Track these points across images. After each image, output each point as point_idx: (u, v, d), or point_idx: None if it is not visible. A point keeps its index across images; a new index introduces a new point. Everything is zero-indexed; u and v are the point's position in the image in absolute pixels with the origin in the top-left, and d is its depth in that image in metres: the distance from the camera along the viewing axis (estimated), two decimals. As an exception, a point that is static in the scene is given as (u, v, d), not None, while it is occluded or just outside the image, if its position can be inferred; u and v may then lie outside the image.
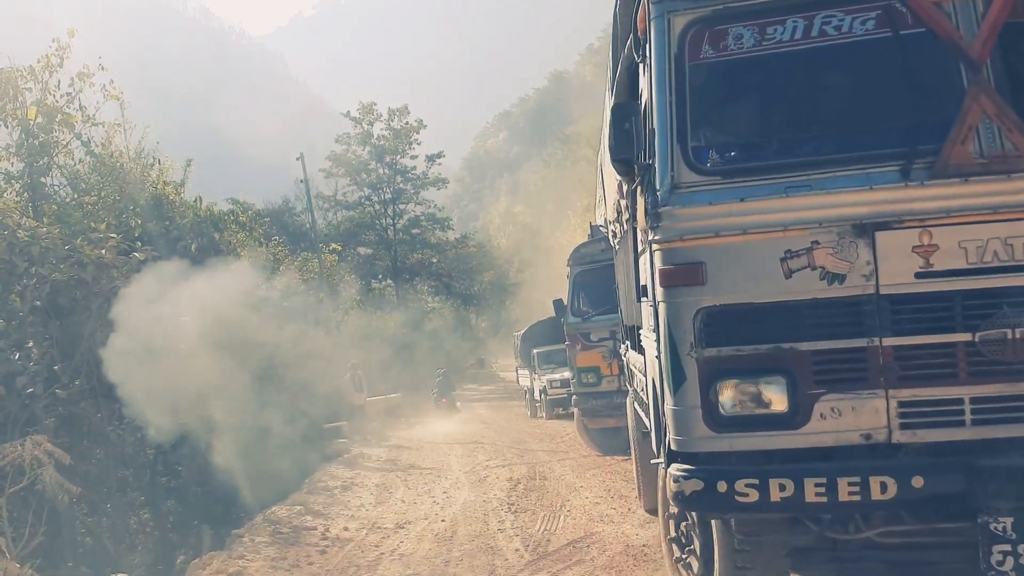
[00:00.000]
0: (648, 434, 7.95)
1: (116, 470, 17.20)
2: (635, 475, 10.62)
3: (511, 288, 76.10)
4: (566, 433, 21.21)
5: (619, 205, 7.84)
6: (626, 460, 14.76)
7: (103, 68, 22.68)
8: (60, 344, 13.79)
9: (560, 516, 10.71)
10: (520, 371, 32.16)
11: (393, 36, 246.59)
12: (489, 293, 72.10)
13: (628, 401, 9.93)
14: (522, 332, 31.00)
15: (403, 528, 11.02)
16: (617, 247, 9.71)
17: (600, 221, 11.67)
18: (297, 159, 26.62)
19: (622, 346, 10.96)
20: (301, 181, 26.93)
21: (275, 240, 38.67)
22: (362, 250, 60.99)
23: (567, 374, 27.56)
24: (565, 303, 16.39)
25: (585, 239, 17.58)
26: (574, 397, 15.97)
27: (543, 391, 27.30)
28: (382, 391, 34.24)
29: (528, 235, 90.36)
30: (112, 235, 16.55)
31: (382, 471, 16.60)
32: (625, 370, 10.38)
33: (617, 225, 8.84)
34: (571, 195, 71.80)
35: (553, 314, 34.07)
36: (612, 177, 8.39)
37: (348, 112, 61.78)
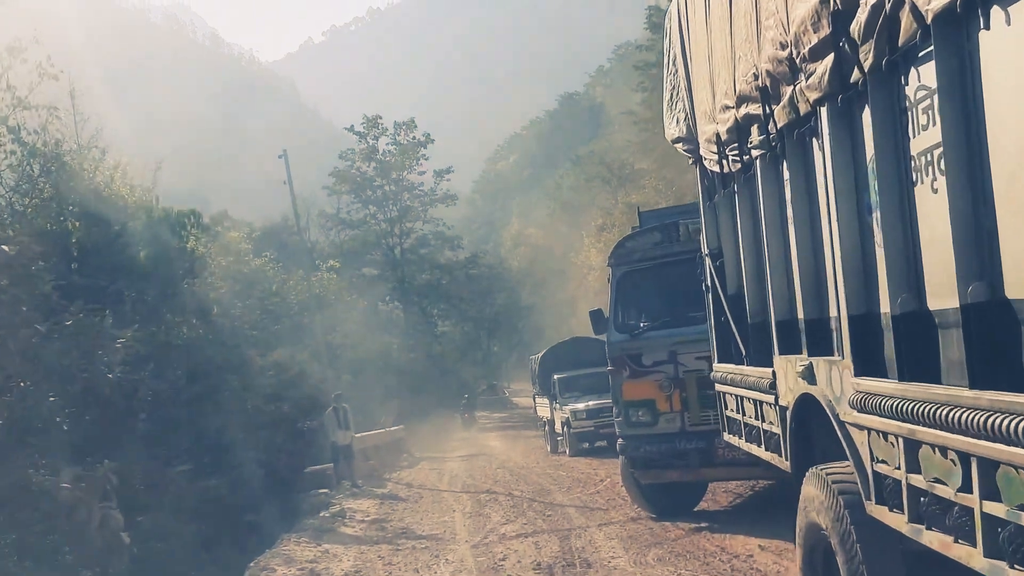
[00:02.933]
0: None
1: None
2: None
3: (524, 311, 72.25)
4: (597, 476, 16.87)
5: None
6: (698, 532, 10.37)
7: (38, 42, 18.72)
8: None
9: (629, 658, 6.32)
10: (538, 399, 27.71)
11: (402, 62, 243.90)
12: (502, 316, 67.90)
13: (815, 479, 4.44)
14: (540, 355, 26.61)
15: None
16: (748, 155, 5.26)
17: (679, 133, 6.99)
18: (280, 157, 22.66)
19: (724, 366, 6.58)
20: (284, 183, 22.92)
21: (265, 256, 34.61)
22: (367, 271, 56.80)
23: (593, 403, 23.24)
24: (606, 315, 11.99)
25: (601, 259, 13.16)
26: (620, 441, 11.52)
27: (566, 423, 22.93)
28: (383, 424, 29.86)
29: (541, 257, 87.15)
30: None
31: (361, 543, 12.16)
32: (739, 406, 5.85)
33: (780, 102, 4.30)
34: (583, 216, 67.77)
35: (576, 335, 29.44)
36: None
37: (352, 126, 57.82)
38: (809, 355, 4.43)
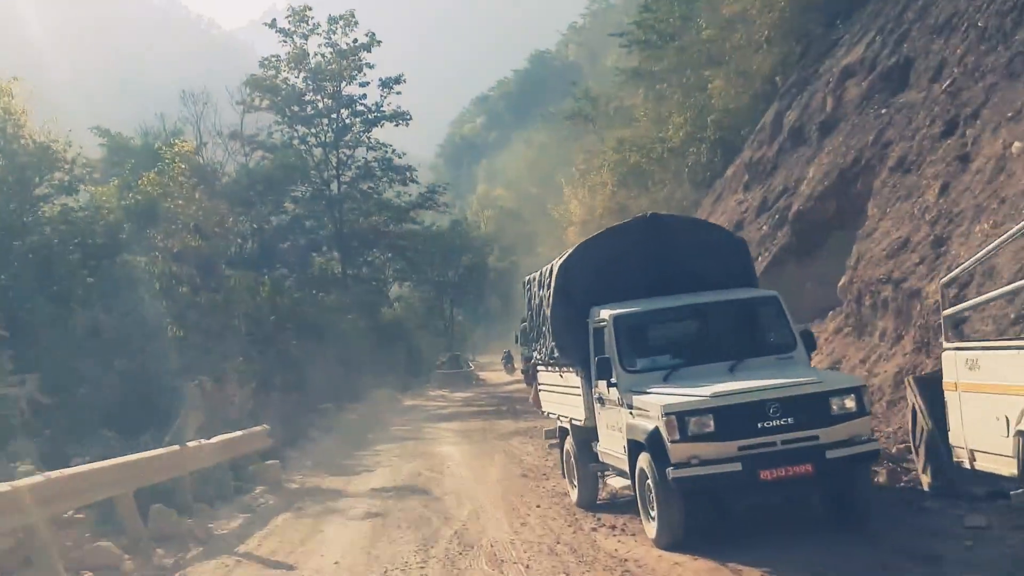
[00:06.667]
0: None
1: None
2: None
3: (493, 275, 58.13)
4: None
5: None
6: None
7: None
8: None
9: None
10: (542, 372, 11.49)
11: (366, 26, 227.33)
12: (466, 280, 53.16)
13: None
14: (561, 262, 10.07)
15: None
16: None
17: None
18: None
19: None
20: None
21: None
22: (291, 207, 40.79)
23: (741, 385, 7.60)
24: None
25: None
26: None
27: (648, 443, 7.21)
28: (222, 424, 14.24)
29: (510, 220, 73.71)
30: None
31: None
32: None
33: None
34: (559, 171, 53.28)
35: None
36: None
37: (273, 21, 41.79)
38: None
